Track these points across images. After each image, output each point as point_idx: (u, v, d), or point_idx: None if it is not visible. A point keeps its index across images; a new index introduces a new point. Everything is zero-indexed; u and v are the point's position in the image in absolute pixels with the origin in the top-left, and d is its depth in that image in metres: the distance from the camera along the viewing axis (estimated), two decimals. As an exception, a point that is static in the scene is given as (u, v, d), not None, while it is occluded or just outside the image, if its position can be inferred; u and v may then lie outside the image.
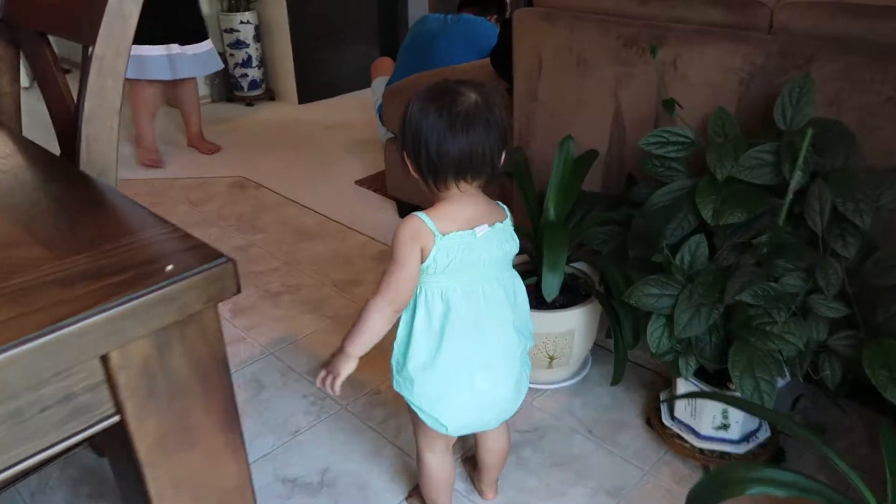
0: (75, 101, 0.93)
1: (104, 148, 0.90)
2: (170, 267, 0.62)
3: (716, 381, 1.36)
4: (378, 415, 1.61)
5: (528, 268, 1.67)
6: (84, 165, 0.90)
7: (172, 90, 3.18)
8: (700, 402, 1.40)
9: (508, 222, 1.14)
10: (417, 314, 1.11)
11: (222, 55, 3.75)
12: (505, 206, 1.17)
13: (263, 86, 4.15)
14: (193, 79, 3.19)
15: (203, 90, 4.00)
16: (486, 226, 1.08)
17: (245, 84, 4.08)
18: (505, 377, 1.15)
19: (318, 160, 3.23)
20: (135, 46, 0.95)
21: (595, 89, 1.70)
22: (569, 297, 1.60)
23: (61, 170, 0.88)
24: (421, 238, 1.07)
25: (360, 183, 2.94)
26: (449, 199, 1.09)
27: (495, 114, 1.05)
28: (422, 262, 1.08)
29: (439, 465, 1.25)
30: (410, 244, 1.07)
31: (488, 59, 2.36)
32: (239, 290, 0.66)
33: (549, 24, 1.76)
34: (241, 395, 1.66)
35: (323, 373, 1.14)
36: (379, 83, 2.90)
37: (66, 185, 0.83)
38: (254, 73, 4.06)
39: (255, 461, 1.47)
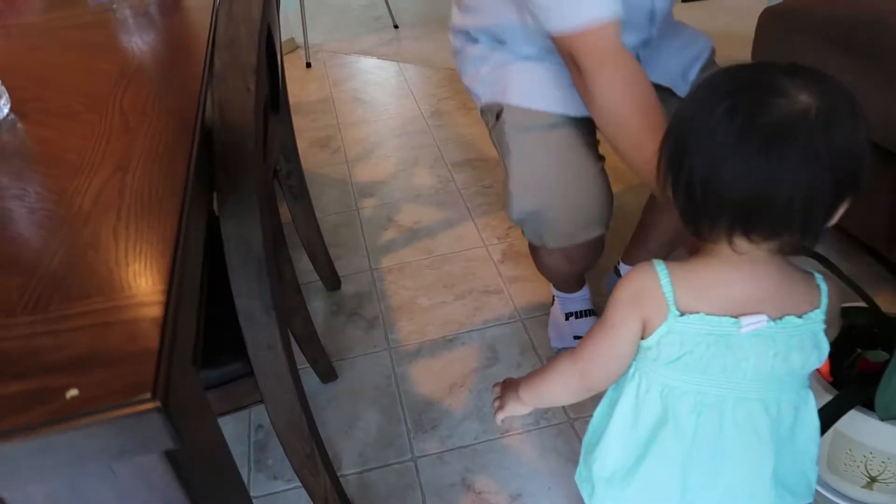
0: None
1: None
2: (73, 392, 0.41)
3: None
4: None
5: (867, 330, 1.09)
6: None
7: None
8: None
9: (819, 315, 0.67)
10: (622, 402, 0.75)
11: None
12: (824, 284, 0.69)
13: None
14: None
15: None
16: (764, 317, 0.66)
17: None
18: None
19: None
20: None
21: None
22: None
23: None
24: (645, 304, 0.68)
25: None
26: (715, 254, 0.67)
27: (836, 137, 0.58)
28: (642, 338, 0.70)
29: None
30: (629, 308, 0.70)
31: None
32: (178, 444, 0.41)
33: None
34: (469, 363, 1.48)
35: (497, 391, 0.91)
36: None
37: None
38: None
39: (449, 451, 1.30)
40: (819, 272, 0.72)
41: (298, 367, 1.44)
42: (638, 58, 1.17)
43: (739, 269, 0.66)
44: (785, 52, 1.15)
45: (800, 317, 0.67)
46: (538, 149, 1.16)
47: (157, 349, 0.43)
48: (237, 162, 0.74)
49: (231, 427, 1.40)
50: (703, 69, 1.25)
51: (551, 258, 1.31)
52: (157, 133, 0.71)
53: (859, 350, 1.09)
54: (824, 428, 0.93)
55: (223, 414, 0.97)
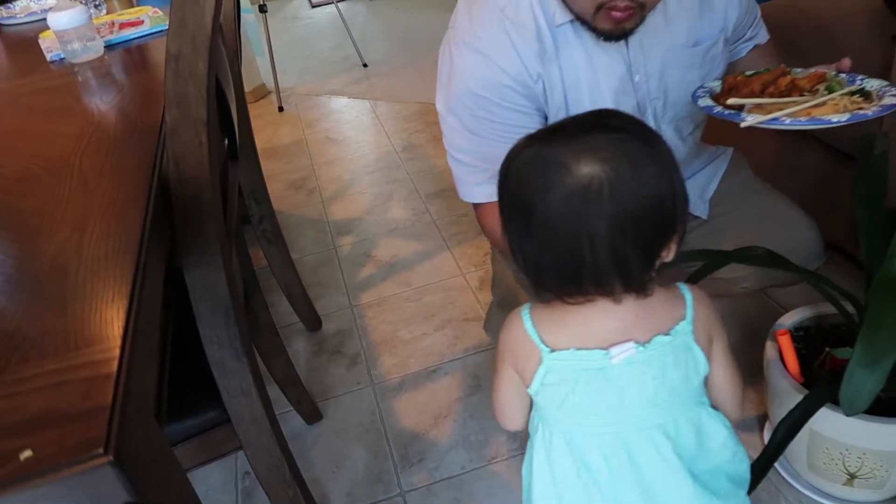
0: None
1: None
2: (27, 453, 0.42)
3: None
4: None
5: (838, 320, 1.11)
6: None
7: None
8: None
9: (687, 325, 0.68)
10: (536, 458, 0.75)
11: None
12: (689, 294, 0.69)
13: None
14: None
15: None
16: (632, 344, 0.66)
17: None
18: None
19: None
20: None
21: None
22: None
23: None
24: (517, 350, 0.70)
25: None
26: None
27: (623, 199, 0.60)
28: (527, 386, 0.71)
29: None
30: (505, 355, 0.72)
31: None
32: (135, 498, 0.42)
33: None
34: (452, 392, 1.49)
35: None
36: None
37: None
38: None
39: (437, 483, 1.30)
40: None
41: (282, 409, 1.45)
42: None
43: (596, 308, 0.66)
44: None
45: (667, 334, 0.67)
46: None
47: (109, 404, 0.44)
48: (195, 213, 0.75)
49: (217, 475, 1.40)
50: (721, 181, 1.28)
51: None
52: (114, 191, 0.73)
53: (828, 349, 1.11)
54: (796, 428, 0.95)
55: (203, 463, 0.97)
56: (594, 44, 1.01)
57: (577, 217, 0.60)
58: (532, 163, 0.62)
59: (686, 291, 0.70)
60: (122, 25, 1.38)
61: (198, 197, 0.74)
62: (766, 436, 1.27)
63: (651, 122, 1.10)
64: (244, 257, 1.29)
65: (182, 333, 0.86)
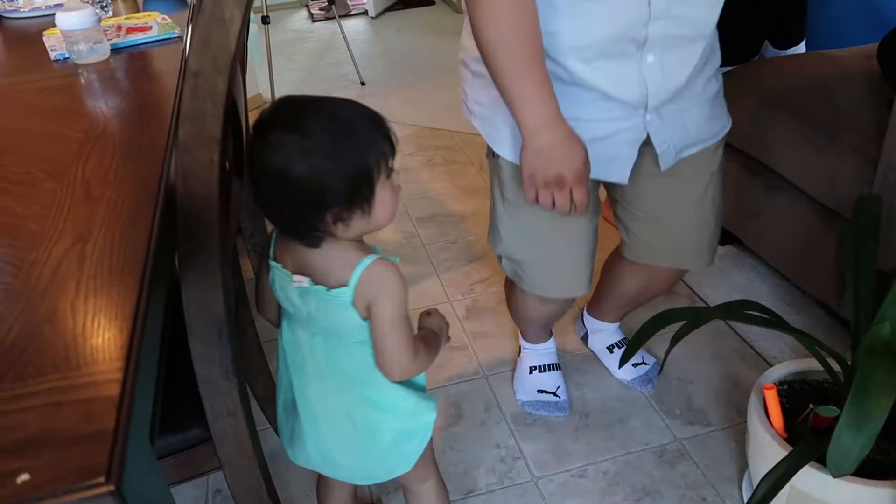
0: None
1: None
2: (24, 477, 0.40)
3: None
4: (569, 508, 1.28)
5: (822, 377, 1.13)
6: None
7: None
8: None
9: (347, 292, 0.84)
10: None
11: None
12: (359, 270, 0.85)
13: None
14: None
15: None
16: (306, 280, 0.87)
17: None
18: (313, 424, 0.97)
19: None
20: None
21: None
22: (888, 450, 1.03)
23: None
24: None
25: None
26: None
27: (288, 166, 0.77)
28: None
29: None
30: None
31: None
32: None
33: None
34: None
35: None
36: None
37: None
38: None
39: (413, 514, 1.28)
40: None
41: (260, 428, 1.42)
42: (659, 117, 1.09)
43: (299, 247, 0.86)
44: (735, 117, 1.22)
45: (329, 289, 0.85)
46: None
47: (112, 430, 0.43)
48: (200, 230, 0.75)
49: (187, 493, 1.36)
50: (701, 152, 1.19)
51: (524, 297, 1.34)
52: (118, 202, 0.72)
53: (811, 405, 1.12)
54: (780, 484, 0.95)
55: (179, 482, 0.95)
56: None
57: (259, 174, 0.80)
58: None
59: (360, 267, 0.84)
60: (130, 30, 1.37)
61: (203, 214, 0.73)
62: (745, 486, 1.28)
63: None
64: (236, 271, 1.27)
65: (169, 346, 0.85)
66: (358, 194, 0.80)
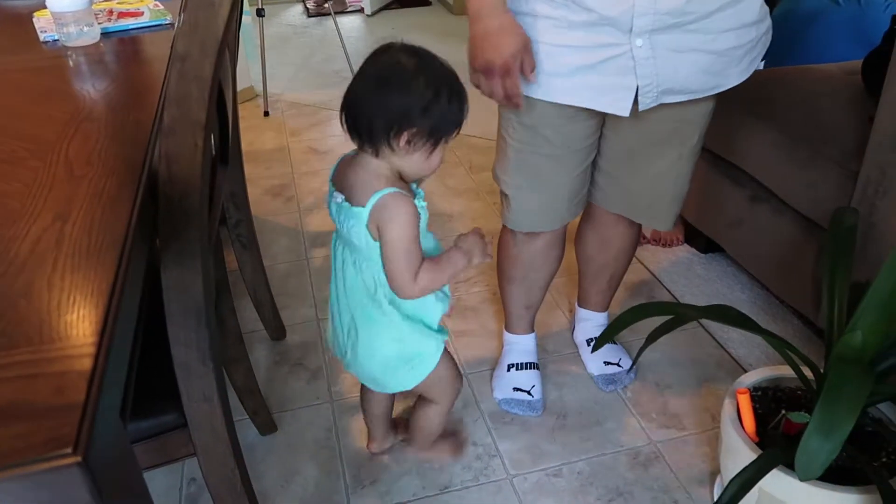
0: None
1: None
2: (-12, 446, 0.41)
3: None
4: (543, 507, 1.29)
5: (795, 384, 1.14)
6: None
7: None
8: None
9: (363, 211, 0.98)
10: None
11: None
12: (377, 196, 0.97)
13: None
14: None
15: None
16: (342, 197, 1.02)
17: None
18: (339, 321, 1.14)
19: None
20: None
21: None
22: (855, 457, 1.05)
23: None
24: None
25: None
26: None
27: (389, 88, 0.94)
28: None
29: None
30: None
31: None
32: (98, 501, 0.41)
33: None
34: (411, 417, 1.48)
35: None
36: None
37: None
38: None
39: (387, 508, 1.29)
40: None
41: (237, 418, 1.42)
42: (651, 46, 1.06)
43: (358, 160, 1.02)
44: (721, 128, 1.23)
45: (353, 206, 0.99)
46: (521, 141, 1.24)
47: (82, 403, 0.43)
48: (181, 214, 0.75)
49: (161, 480, 1.36)
50: (694, 105, 1.18)
51: (514, 239, 1.41)
52: (101, 183, 0.72)
53: (784, 411, 1.14)
54: (748, 486, 0.97)
55: (153, 467, 0.95)
56: None
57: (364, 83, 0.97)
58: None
59: (378, 195, 0.96)
60: (122, 14, 1.37)
61: (185, 198, 0.73)
62: (716, 490, 1.29)
63: None
64: (219, 260, 1.27)
65: (146, 330, 0.85)
66: (437, 133, 0.95)
